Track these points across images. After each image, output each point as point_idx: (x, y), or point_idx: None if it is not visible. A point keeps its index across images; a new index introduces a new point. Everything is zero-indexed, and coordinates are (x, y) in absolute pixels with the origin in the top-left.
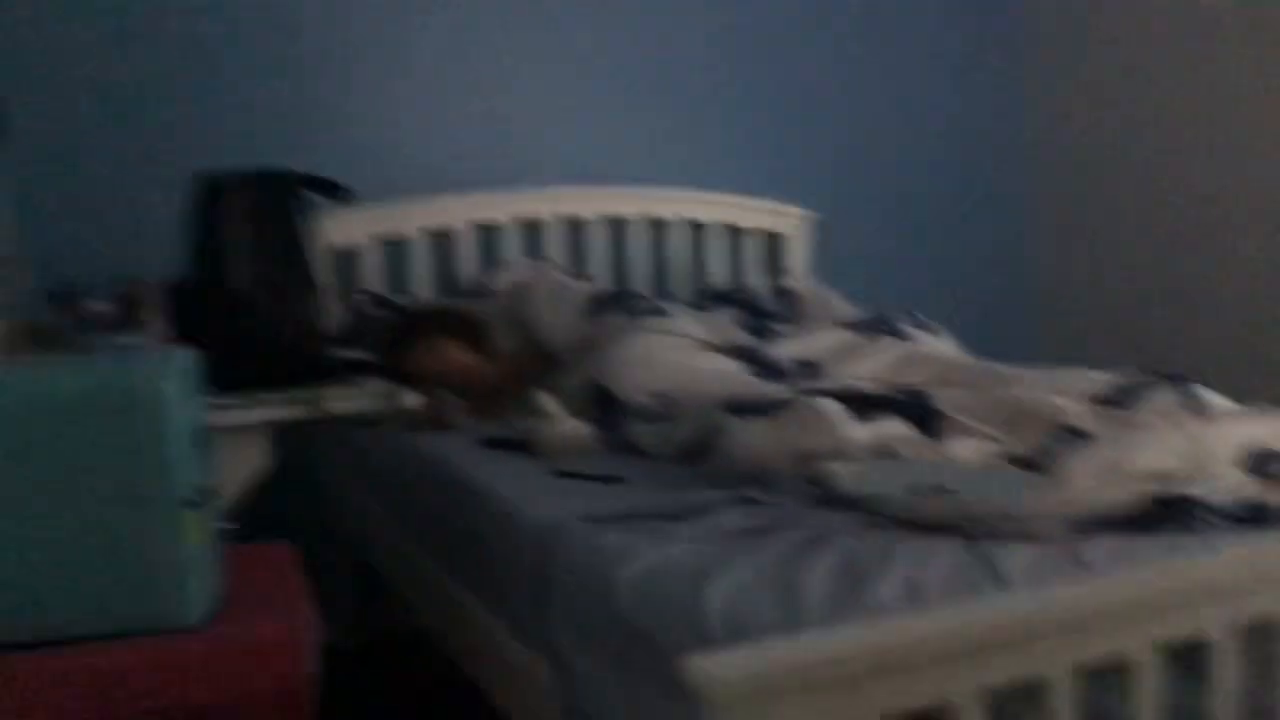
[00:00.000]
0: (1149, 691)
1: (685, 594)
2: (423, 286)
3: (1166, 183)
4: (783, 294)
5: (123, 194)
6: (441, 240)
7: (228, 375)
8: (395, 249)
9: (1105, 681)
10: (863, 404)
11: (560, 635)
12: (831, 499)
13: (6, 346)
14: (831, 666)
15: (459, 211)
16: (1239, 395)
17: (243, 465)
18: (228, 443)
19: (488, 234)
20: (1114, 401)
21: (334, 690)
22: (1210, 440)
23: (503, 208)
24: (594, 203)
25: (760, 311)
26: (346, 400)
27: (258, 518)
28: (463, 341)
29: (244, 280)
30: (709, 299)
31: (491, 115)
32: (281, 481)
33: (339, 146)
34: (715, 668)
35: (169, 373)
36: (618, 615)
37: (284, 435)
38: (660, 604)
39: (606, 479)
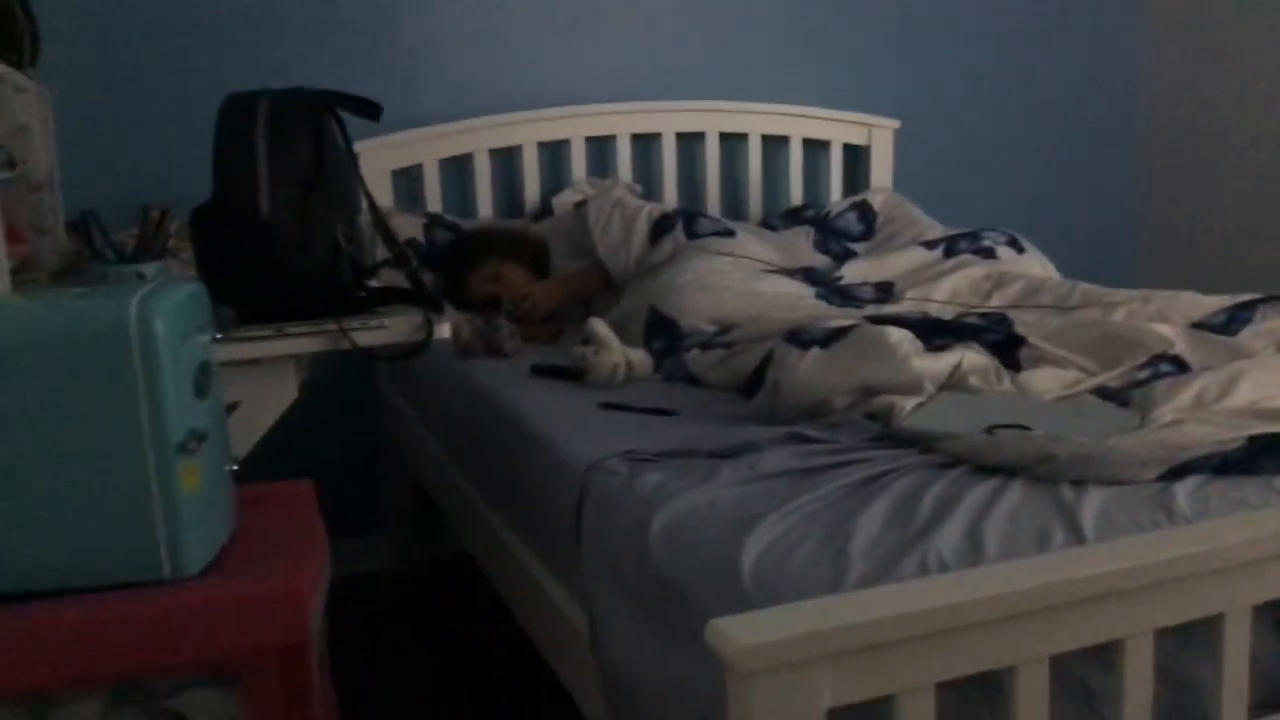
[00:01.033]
0: (1240, 656)
1: (720, 545)
2: (485, 208)
3: None
4: (863, 210)
5: (149, 118)
6: (506, 160)
7: (254, 305)
8: (459, 170)
9: (1185, 641)
10: (934, 330)
11: (591, 581)
12: (892, 437)
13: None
14: (871, 633)
15: (524, 131)
16: None
17: (270, 398)
18: (254, 375)
19: (553, 153)
20: (1217, 327)
21: (388, 615)
22: None
23: (569, 126)
24: (663, 119)
25: (837, 230)
26: (379, 332)
27: (323, 445)
28: (521, 265)
29: (271, 206)
30: (783, 218)
31: (557, 29)
32: (346, 406)
33: (397, 65)
34: (740, 632)
35: (166, 307)
36: (648, 564)
37: (350, 359)
38: (693, 555)
39: (656, 412)
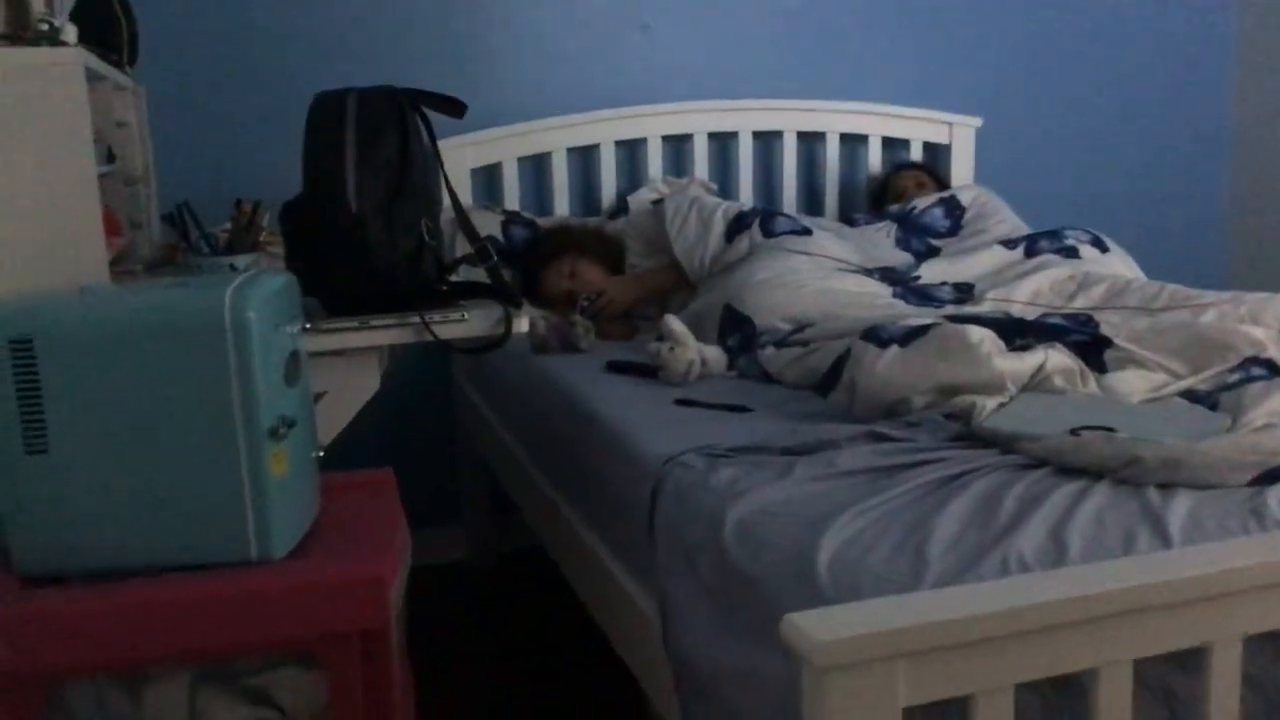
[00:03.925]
0: None
1: (796, 540)
2: (562, 206)
3: None
4: (950, 206)
5: (242, 115)
6: (583, 159)
7: (340, 298)
8: (537, 168)
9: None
10: (1016, 330)
11: (664, 574)
12: (972, 437)
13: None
14: (950, 632)
15: (601, 129)
16: None
17: (354, 389)
18: (339, 365)
19: (630, 152)
20: None
21: (462, 606)
22: None
23: (647, 125)
24: (740, 118)
25: (921, 226)
26: (459, 325)
27: (400, 437)
28: (597, 262)
29: (358, 201)
30: (863, 215)
31: (634, 29)
32: (424, 398)
33: (480, 65)
34: (817, 627)
35: (259, 298)
36: (724, 558)
37: (429, 352)
38: (768, 550)
39: (731, 408)
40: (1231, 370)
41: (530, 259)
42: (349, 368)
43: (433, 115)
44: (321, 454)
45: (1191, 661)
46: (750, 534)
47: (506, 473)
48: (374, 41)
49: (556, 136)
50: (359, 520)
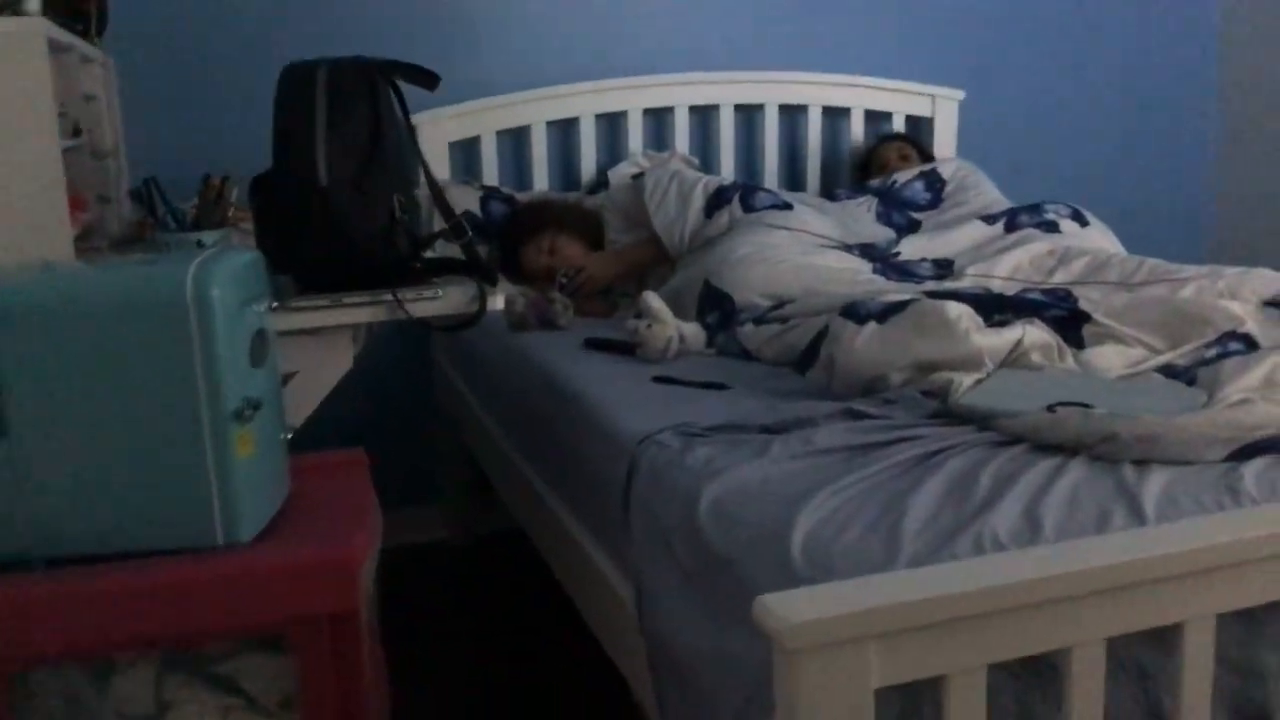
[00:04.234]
0: None
1: (771, 520)
2: (541, 181)
3: None
4: (931, 179)
5: (211, 87)
6: (563, 133)
7: (312, 274)
8: (516, 142)
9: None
10: (995, 306)
11: (639, 554)
12: (949, 414)
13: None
14: (922, 612)
15: (582, 103)
16: None
17: (325, 368)
18: (310, 345)
19: (611, 126)
20: None
21: (439, 586)
22: None
23: (628, 98)
24: (722, 90)
25: (903, 200)
26: (434, 303)
27: (378, 415)
28: (576, 237)
29: (328, 175)
30: (847, 188)
31: (614, 1)
32: (400, 377)
33: (457, 36)
34: (788, 608)
35: (223, 275)
36: (698, 538)
37: (405, 330)
38: (743, 530)
39: (709, 386)
40: (1209, 345)
41: (509, 235)
42: (320, 347)
43: (411, 89)
44: (290, 436)
45: (1165, 640)
46: (725, 514)
47: (484, 452)
48: (349, 11)
49: (536, 109)
50: (329, 502)
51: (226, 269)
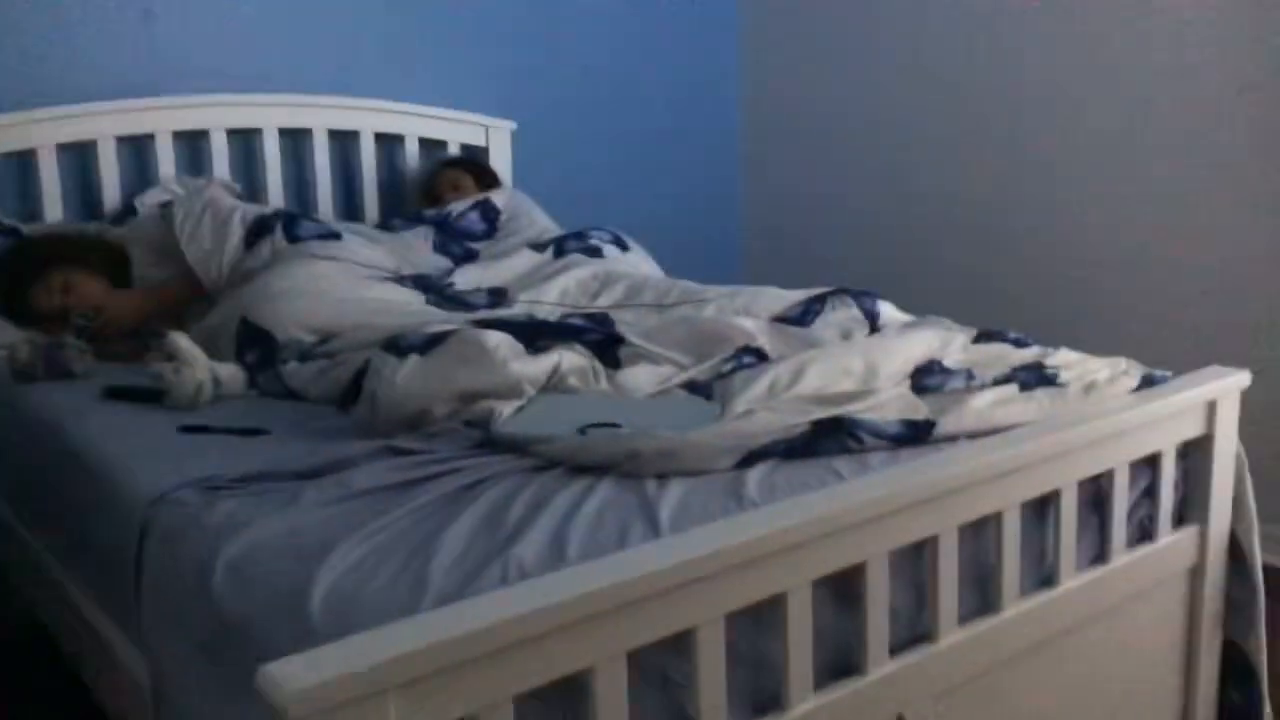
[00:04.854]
0: (804, 631)
1: (290, 576)
2: (55, 210)
3: (863, 120)
4: (485, 209)
5: None
6: (80, 156)
7: None
8: (20, 167)
9: (757, 621)
10: (537, 332)
11: (152, 632)
12: (491, 444)
13: None
14: (438, 655)
15: (99, 123)
16: (918, 309)
17: None
18: None
19: (137, 149)
20: (794, 320)
21: None
22: (879, 357)
23: (154, 119)
24: (263, 113)
25: (460, 231)
26: None
27: None
28: (95, 274)
29: None
30: (404, 219)
31: (138, 10)
32: None
33: None
34: (291, 676)
35: None
36: (210, 605)
37: None
38: (259, 591)
39: (243, 432)
40: (726, 360)
41: (13, 273)
42: None
43: None
44: None
45: (682, 644)
46: (241, 574)
47: None
48: None
49: (42, 130)
50: None
51: None
